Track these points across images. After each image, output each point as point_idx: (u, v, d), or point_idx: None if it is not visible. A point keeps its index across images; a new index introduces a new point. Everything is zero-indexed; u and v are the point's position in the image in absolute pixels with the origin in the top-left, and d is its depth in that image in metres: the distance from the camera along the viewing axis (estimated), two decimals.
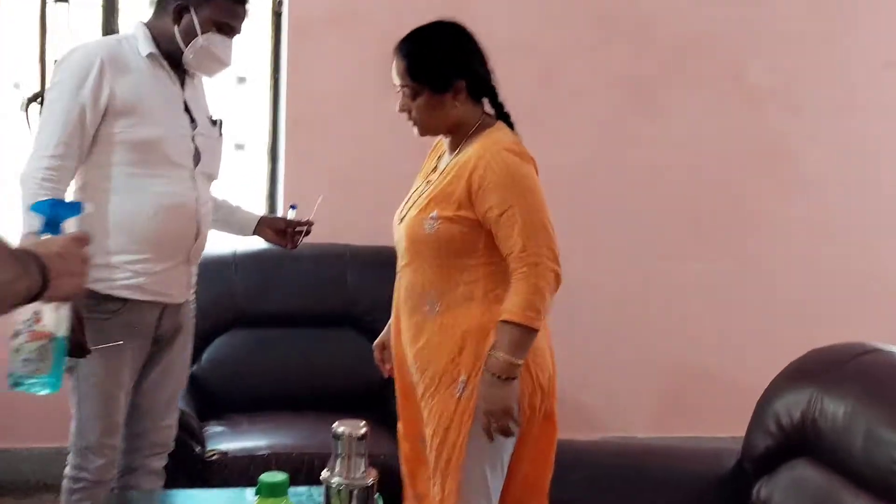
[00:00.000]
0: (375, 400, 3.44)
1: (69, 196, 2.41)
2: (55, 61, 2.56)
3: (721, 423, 3.70)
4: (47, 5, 3.65)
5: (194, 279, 2.68)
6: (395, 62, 2.29)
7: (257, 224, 2.86)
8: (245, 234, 2.90)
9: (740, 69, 4.19)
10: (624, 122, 4.11)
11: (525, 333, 2.19)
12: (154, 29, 2.55)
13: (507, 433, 2.21)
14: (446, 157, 2.38)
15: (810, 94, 4.24)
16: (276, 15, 3.84)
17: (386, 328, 2.53)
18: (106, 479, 2.56)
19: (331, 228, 3.69)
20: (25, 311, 1.43)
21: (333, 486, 1.73)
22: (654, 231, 4.17)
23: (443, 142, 2.42)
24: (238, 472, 2.96)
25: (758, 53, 4.19)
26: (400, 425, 2.50)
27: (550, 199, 4.25)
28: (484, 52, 2.33)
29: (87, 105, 2.40)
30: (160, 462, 2.71)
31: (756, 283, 4.27)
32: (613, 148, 4.10)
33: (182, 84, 2.59)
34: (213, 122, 2.67)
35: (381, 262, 3.64)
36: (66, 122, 2.39)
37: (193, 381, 3.43)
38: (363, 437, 1.76)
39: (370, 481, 1.75)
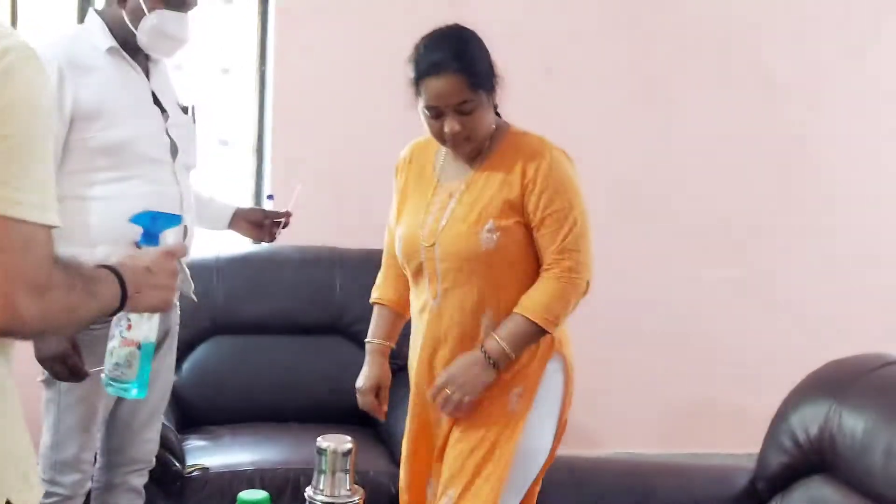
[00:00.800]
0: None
1: None
2: None
3: (735, 439, 3.61)
4: None
5: (187, 275, 2.61)
6: (440, 82, 2.11)
7: (232, 217, 2.76)
8: (219, 228, 2.80)
9: (756, 63, 4.11)
10: (632, 120, 4.04)
11: (534, 333, 2.17)
12: (107, 17, 2.45)
13: (446, 406, 2.19)
14: (455, 163, 2.26)
15: (829, 88, 4.17)
16: (263, 3, 3.78)
17: (375, 368, 2.42)
18: (80, 493, 2.49)
19: (318, 230, 3.60)
20: (119, 317, 1.51)
21: (317, 503, 1.73)
22: (665, 235, 4.11)
23: (433, 147, 2.29)
24: (220, 489, 2.88)
25: (776, 47, 4.12)
26: (404, 474, 2.41)
27: None
28: None
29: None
30: (140, 479, 2.63)
31: (774, 289, 4.20)
32: (620, 146, 4.03)
33: (147, 73, 2.50)
34: (185, 110, 2.58)
35: (372, 267, 3.53)
36: None
37: (172, 392, 3.30)
38: (348, 452, 1.75)
39: (356, 499, 1.74)
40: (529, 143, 2.21)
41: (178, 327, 2.68)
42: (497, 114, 2.26)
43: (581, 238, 2.17)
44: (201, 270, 3.34)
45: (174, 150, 2.48)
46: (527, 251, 2.20)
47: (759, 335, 4.16)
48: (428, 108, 2.14)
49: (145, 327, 1.54)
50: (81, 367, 2.28)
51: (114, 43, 2.42)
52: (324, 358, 3.48)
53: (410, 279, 2.32)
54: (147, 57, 2.50)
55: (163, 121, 2.48)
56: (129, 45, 2.43)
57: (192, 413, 3.27)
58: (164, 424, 2.91)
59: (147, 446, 2.63)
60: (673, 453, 3.84)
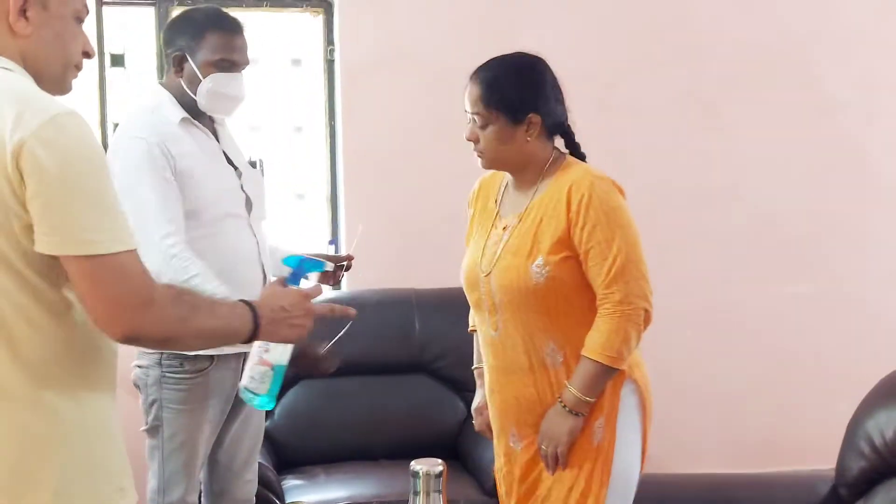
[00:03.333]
0: (450, 446, 3.45)
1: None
2: (115, 125, 2.60)
3: (813, 456, 3.53)
4: (105, 70, 3.73)
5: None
6: (469, 88, 2.23)
7: None
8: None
9: (810, 78, 4.08)
10: (689, 142, 4.03)
11: (603, 372, 2.17)
12: (171, 88, 2.58)
13: (547, 462, 2.22)
14: (514, 196, 2.30)
15: (886, 99, 4.12)
16: (329, 62, 3.88)
17: (483, 389, 2.45)
18: None
19: (394, 274, 3.71)
20: (260, 343, 1.79)
21: None
22: (730, 254, 4.06)
23: (497, 180, 2.36)
24: None
25: (827, 61, 4.08)
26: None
27: None
28: (562, 90, 2.29)
29: (171, 182, 2.43)
30: None
31: (841, 303, 4.13)
32: (680, 169, 4.02)
33: (216, 135, 2.62)
34: (253, 164, 2.70)
35: (449, 305, 3.64)
36: (164, 202, 2.41)
37: (267, 435, 3.42)
38: (440, 474, 1.76)
39: None
40: (575, 175, 2.20)
41: None
42: (562, 151, 2.29)
43: (628, 267, 2.14)
44: None
45: (249, 205, 2.60)
46: (582, 283, 2.18)
47: (833, 349, 4.09)
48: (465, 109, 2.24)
49: (279, 353, 1.80)
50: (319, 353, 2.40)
51: (184, 113, 2.54)
52: (408, 395, 3.55)
53: (473, 309, 2.37)
54: (212, 119, 2.62)
55: (237, 178, 2.60)
56: (194, 111, 2.55)
57: (287, 454, 3.35)
58: (263, 465, 2.99)
59: (248, 486, 2.71)
60: (751, 472, 3.80)
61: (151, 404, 2.53)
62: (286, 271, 2.75)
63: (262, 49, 3.86)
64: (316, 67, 3.89)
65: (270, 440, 3.40)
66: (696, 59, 4.02)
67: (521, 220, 2.24)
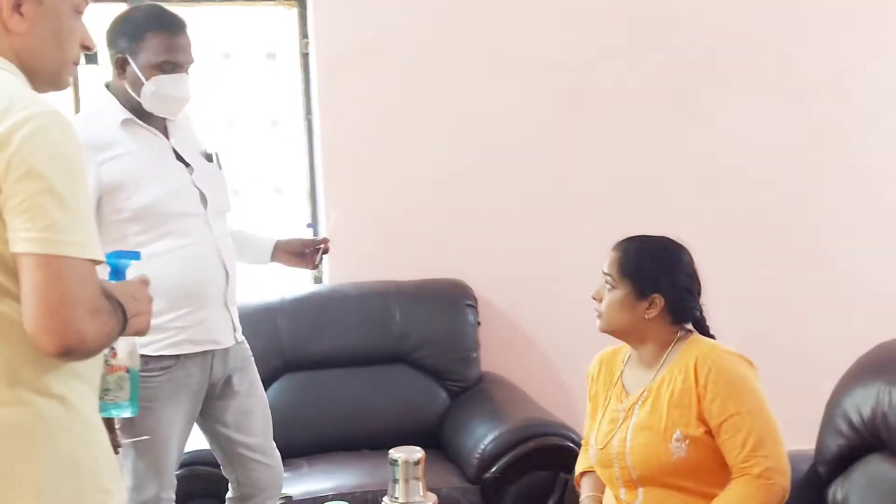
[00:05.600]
0: (432, 435, 3.47)
1: None
2: None
3: (794, 436, 3.55)
4: (79, 67, 3.71)
5: (236, 321, 2.68)
6: (612, 253, 2.31)
7: (273, 249, 2.83)
8: (263, 262, 2.87)
9: (784, 62, 4.10)
10: (665, 128, 4.03)
11: None
12: (115, 90, 2.54)
13: None
14: (637, 371, 2.33)
15: (857, 81, 4.14)
16: (304, 56, 3.87)
17: None
18: None
19: (372, 266, 3.72)
20: None
21: None
22: (708, 238, 4.03)
23: (619, 357, 2.39)
24: None
25: (801, 45, 4.10)
26: None
27: (600, 218, 4.20)
28: (699, 283, 2.34)
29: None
30: None
31: (821, 284, 4.15)
32: (656, 156, 4.03)
33: (166, 133, 2.58)
34: (209, 158, 2.66)
35: (428, 296, 3.69)
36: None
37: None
38: (418, 462, 1.81)
39: None
40: (701, 348, 2.24)
41: (251, 364, 2.74)
42: (690, 330, 2.32)
43: (766, 441, 2.13)
44: (266, 314, 3.50)
45: (204, 200, 2.56)
46: (719, 458, 2.17)
47: (812, 328, 4.11)
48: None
49: (126, 353, 1.70)
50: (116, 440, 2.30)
51: (126, 114, 2.50)
52: (389, 386, 3.57)
53: (608, 485, 2.34)
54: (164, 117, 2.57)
55: (188, 174, 2.56)
56: (141, 112, 2.51)
57: None
58: None
59: (271, 472, 2.70)
60: None
61: None
62: (264, 255, 2.76)
63: (235, 43, 3.86)
64: (291, 61, 3.88)
65: None
66: (670, 46, 4.02)
67: (650, 395, 2.25)
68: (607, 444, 2.28)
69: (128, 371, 1.70)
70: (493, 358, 3.82)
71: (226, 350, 2.64)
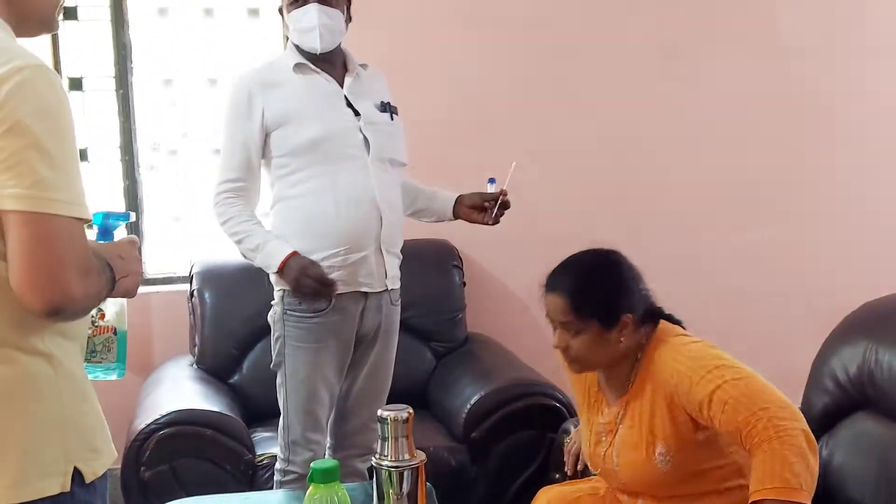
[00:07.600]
0: (420, 395, 3.47)
1: (260, 212, 2.69)
2: (69, 79, 2.56)
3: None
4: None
5: (394, 269, 2.71)
6: (549, 298, 2.17)
7: (455, 204, 2.86)
8: (447, 219, 2.91)
9: (770, 26, 4.11)
10: (651, 90, 4.05)
11: None
12: (291, 39, 2.72)
13: None
14: (612, 382, 2.24)
15: (842, 44, 4.16)
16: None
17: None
18: None
19: None
20: None
21: (383, 467, 1.82)
22: (696, 201, 4.10)
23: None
24: None
25: (787, 8, 4.12)
26: None
27: (585, 176, 4.16)
28: (640, 273, 2.22)
29: (247, 129, 2.61)
30: (364, 464, 2.76)
31: (808, 245, 4.19)
32: (643, 118, 4.04)
33: (342, 82, 2.70)
34: (384, 108, 2.74)
35: (417, 257, 3.65)
36: (232, 150, 2.64)
37: (236, 388, 3.44)
38: (406, 419, 1.84)
39: (417, 462, 1.83)
40: (664, 361, 2.12)
41: (397, 322, 2.78)
42: (652, 326, 2.21)
43: (755, 396, 1.96)
44: (259, 270, 3.50)
45: (367, 146, 2.64)
46: (712, 446, 2.12)
47: (800, 289, 4.14)
48: (546, 316, 2.19)
49: (115, 313, 1.67)
50: (324, 274, 2.54)
51: (300, 59, 2.66)
52: None
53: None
54: (345, 67, 2.71)
55: (356, 120, 2.65)
56: (315, 59, 2.67)
57: (257, 407, 3.33)
58: (232, 418, 3.05)
59: (370, 434, 2.69)
60: None
61: (276, 340, 2.66)
62: (447, 209, 2.74)
63: (217, 0, 3.80)
64: (274, 19, 3.82)
65: (239, 393, 3.42)
66: (657, 6, 4.02)
67: (627, 409, 2.18)
68: (596, 455, 2.26)
69: (115, 332, 1.68)
70: (479, 318, 3.83)
71: (380, 302, 2.69)
